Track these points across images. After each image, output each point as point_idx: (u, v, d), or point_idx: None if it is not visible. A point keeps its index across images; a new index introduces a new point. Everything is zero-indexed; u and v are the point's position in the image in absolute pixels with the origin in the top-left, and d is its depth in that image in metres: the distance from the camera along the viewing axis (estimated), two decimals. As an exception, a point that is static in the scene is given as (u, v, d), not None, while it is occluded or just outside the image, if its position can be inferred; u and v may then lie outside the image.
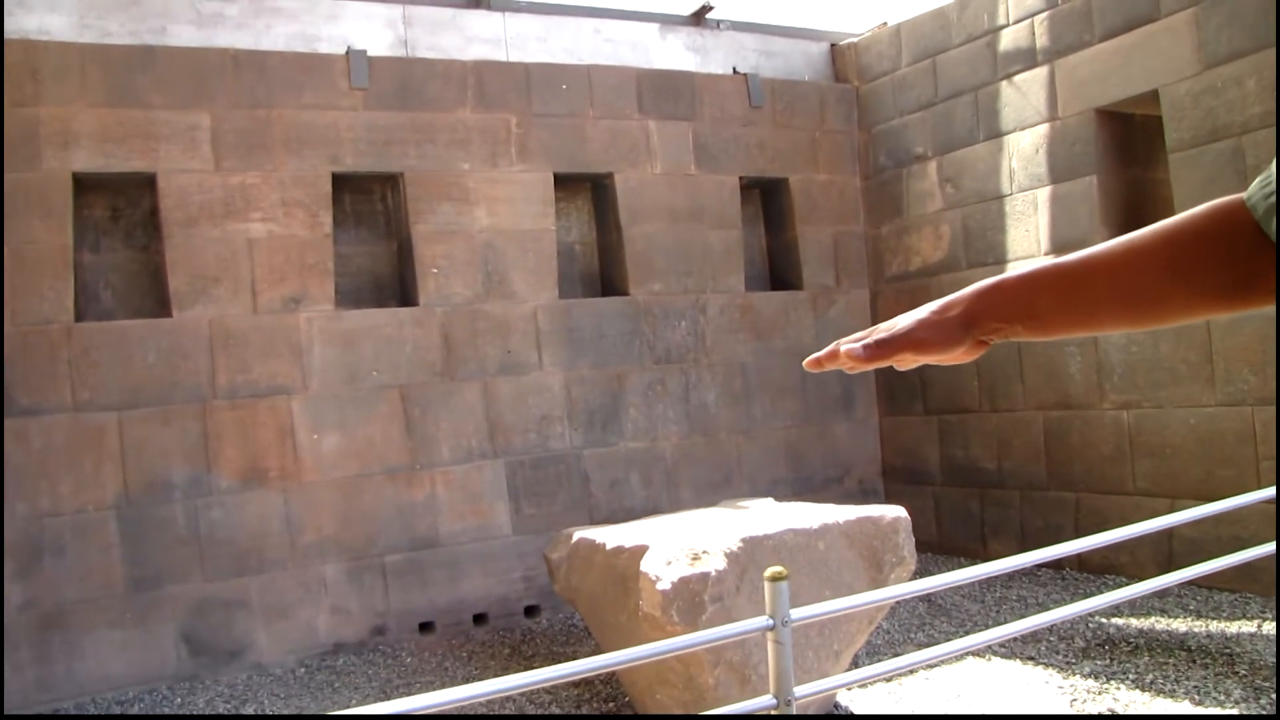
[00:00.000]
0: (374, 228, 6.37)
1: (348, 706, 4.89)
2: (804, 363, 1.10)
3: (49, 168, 5.30)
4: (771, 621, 1.80)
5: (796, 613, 1.84)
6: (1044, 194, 6.25)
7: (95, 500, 5.30)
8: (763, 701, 1.84)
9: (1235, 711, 3.87)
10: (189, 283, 5.57)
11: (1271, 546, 2.91)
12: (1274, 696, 3.94)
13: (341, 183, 6.06)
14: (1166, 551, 5.66)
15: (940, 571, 6.72)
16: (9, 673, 5.08)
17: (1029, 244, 6.35)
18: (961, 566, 6.82)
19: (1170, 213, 5.10)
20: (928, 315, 1.03)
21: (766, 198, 7.64)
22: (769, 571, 1.78)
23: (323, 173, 5.89)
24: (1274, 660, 4.33)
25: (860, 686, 4.51)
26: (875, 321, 7.53)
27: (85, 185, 5.52)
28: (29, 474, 5.17)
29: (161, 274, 5.62)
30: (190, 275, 5.57)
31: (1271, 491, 2.78)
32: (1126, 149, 6.12)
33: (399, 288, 6.34)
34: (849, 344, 1.04)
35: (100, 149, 5.43)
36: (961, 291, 1.02)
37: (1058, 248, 6.16)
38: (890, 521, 4.04)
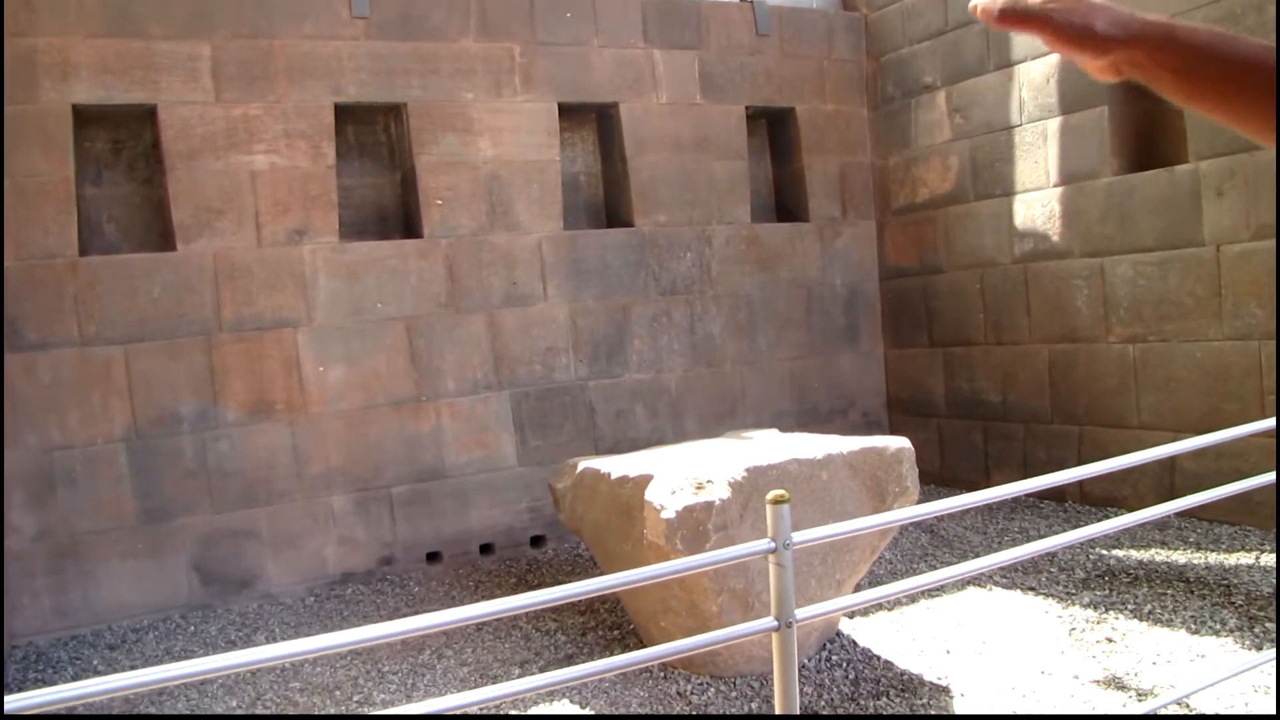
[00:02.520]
0: (377, 159, 6.32)
1: (357, 633, 4.97)
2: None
3: (48, 99, 5.25)
4: (773, 544, 1.82)
5: (798, 535, 1.86)
6: (1054, 124, 6.18)
7: (104, 433, 5.34)
8: (764, 623, 1.87)
9: (1231, 640, 3.92)
10: (192, 215, 5.54)
11: (1270, 477, 2.92)
12: (1268, 626, 3.99)
13: (344, 114, 6.00)
14: (1168, 485, 5.69)
15: (943, 503, 6.77)
16: (25, 602, 5.16)
17: (1038, 175, 6.30)
18: (964, 498, 6.87)
19: (1182, 145, 5.01)
20: (1091, 11, 1.00)
21: (773, 128, 7.56)
22: (771, 495, 1.79)
23: (325, 104, 5.83)
24: (1270, 591, 4.38)
25: (862, 615, 4.58)
26: (883, 253, 7.55)
27: (86, 117, 5.47)
28: (38, 407, 5.20)
29: (165, 207, 5.60)
30: (193, 208, 5.55)
31: (1271, 423, 2.77)
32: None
33: (403, 219, 6.31)
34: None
35: (100, 80, 5.37)
36: (1128, 11, 1.00)
37: (1066, 179, 6.11)
38: (894, 452, 4.06)
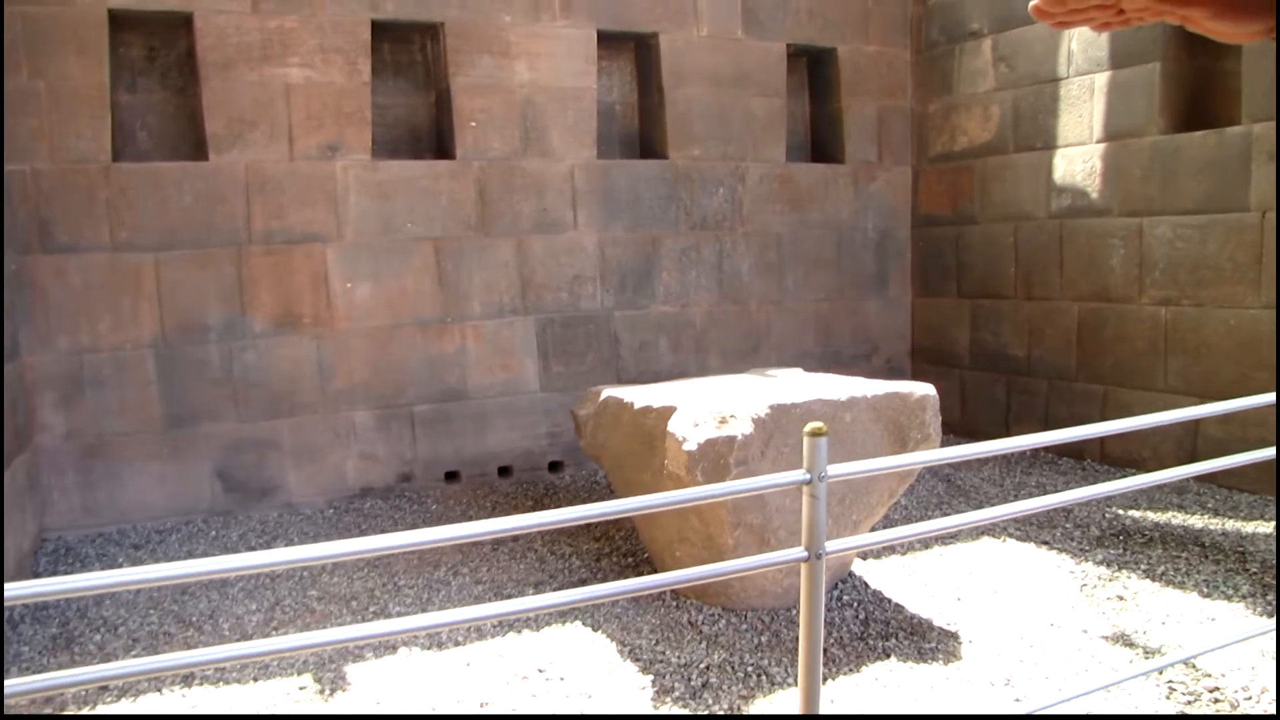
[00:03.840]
0: (412, 78, 6.26)
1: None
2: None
3: (84, 2, 5.20)
4: (809, 476, 1.83)
5: (834, 469, 1.86)
6: (1102, 79, 6.05)
7: (133, 339, 5.39)
8: (794, 553, 1.88)
9: (1242, 606, 3.93)
10: (225, 126, 5.52)
11: (1270, 451, 2.89)
12: (1283, 591, 4.00)
13: (381, 31, 5.93)
14: (1190, 449, 5.67)
15: (961, 454, 6.78)
16: (55, 497, 5.26)
17: (1080, 130, 6.19)
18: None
19: (1235, 107, 4.89)
20: None
21: (813, 67, 7.44)
22: (809, 427, 1.80)
23: (362, 19, 5.77)
24: (1287, 557, 4.38)
25: (875, 557, 4.61)
26: (916, 201, 7.48)
27: (121, 23, 5.43)
28: (69, 310, 5.25)
29: (198, 117, 5.57)
30: (227, 119, 5.52)
31: (1271, 397, 2.74)
32: (1196, 35, 5.88)
33: (436, 140, 6.27)
34: None
35: (137, -16, 5.33)
36: None
37: (1110, 135, 6.00)
38: (918, 399, 4.05)
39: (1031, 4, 1.01)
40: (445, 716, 2.51)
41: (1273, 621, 3.47)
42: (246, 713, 2.45)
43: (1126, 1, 0.96)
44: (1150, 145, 5.78)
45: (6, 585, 1.41)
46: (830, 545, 1.88)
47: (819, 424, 1.79)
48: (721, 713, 2.75)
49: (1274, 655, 3.35)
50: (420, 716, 2.50)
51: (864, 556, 4.58)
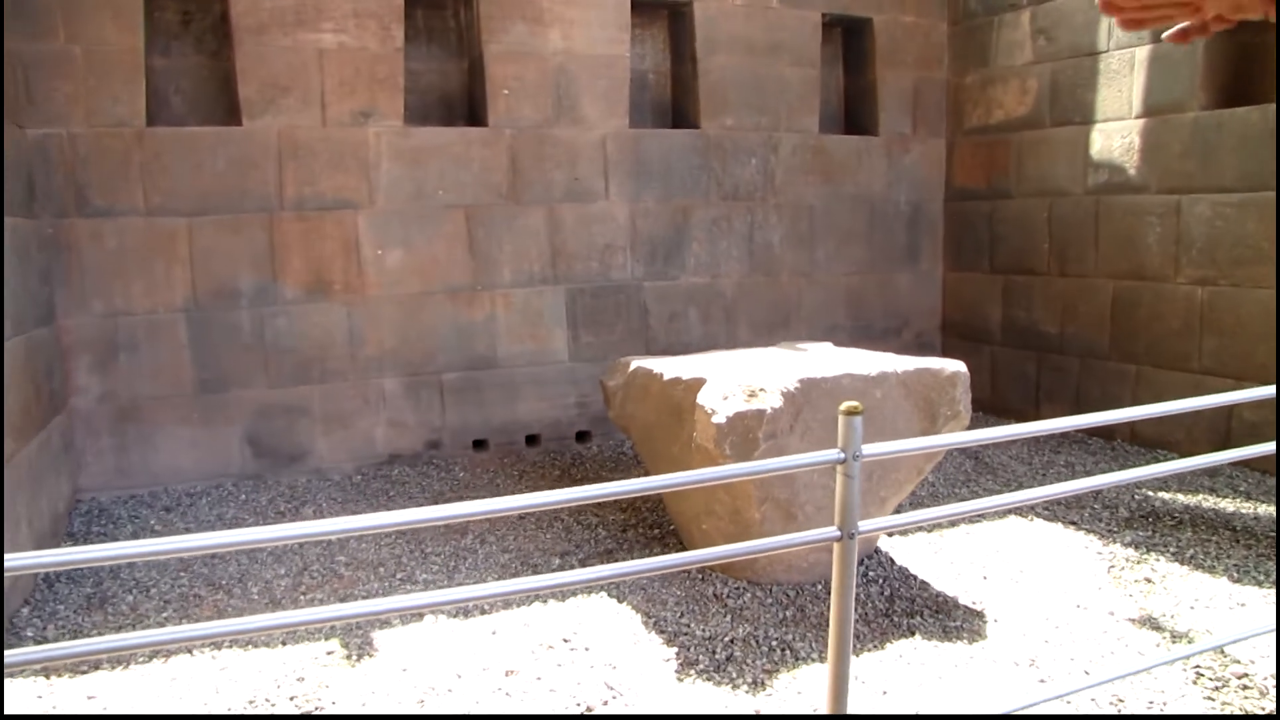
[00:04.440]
0: (445, 45, 6.24)
1: (402, 514, 5.09)
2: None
3: (119, -35, 5.22)
4: (843, 455, 1.82)
5: (868, 448, 1.85)
6: (1143, 53, 5.94)
7: (166, 303, 5.43)
8: (827, 532, 1.88)
9: (1274, 593, 3.89)
10: (258, 92, 5.52)
11: (1270, 446, 2.84)
12: (1316, 576, 3.96)
13: (414, -4, 5.91)
14: (1224, 432, 5.60)
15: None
16: (90, 459, 5.33)
17: (1119, 105, 6.09)
18: (1011, 428, 6.83)
19: (1273, 82, 4.79)
20: None
21: (848, 37, 7.35)
22: (845, 405, 1.79)
23: (396, -17, 5.75)
24: (1320, 541, 4.34)
25: (901, 534, 4.60)
26: (950, 174, 7.40)
27: (156, -16, 5.45)
28: (104, 273, 5.29)
29: (231, 82, 5.58)
30: (259, 84, 5.52)
31: (1271, 390, 2.68)
32: (1240, 8, 5.76)
33: (468, 107, 6.26)
34: None
35: (172, -54, 5.32)
36: None
37: (1150, 110, 5.90)
38: (949, 375, 4.02)
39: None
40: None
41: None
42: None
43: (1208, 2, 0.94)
44: (1191, 121, 5.68)
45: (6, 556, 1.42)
46: (863, 525, 1.88)
47: (854, 403, 1.78)
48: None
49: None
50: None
51: (890, 533, 4.58)
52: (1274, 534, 4.51)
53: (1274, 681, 3.15)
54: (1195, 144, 5.65)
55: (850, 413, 1.78)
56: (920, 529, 4.70)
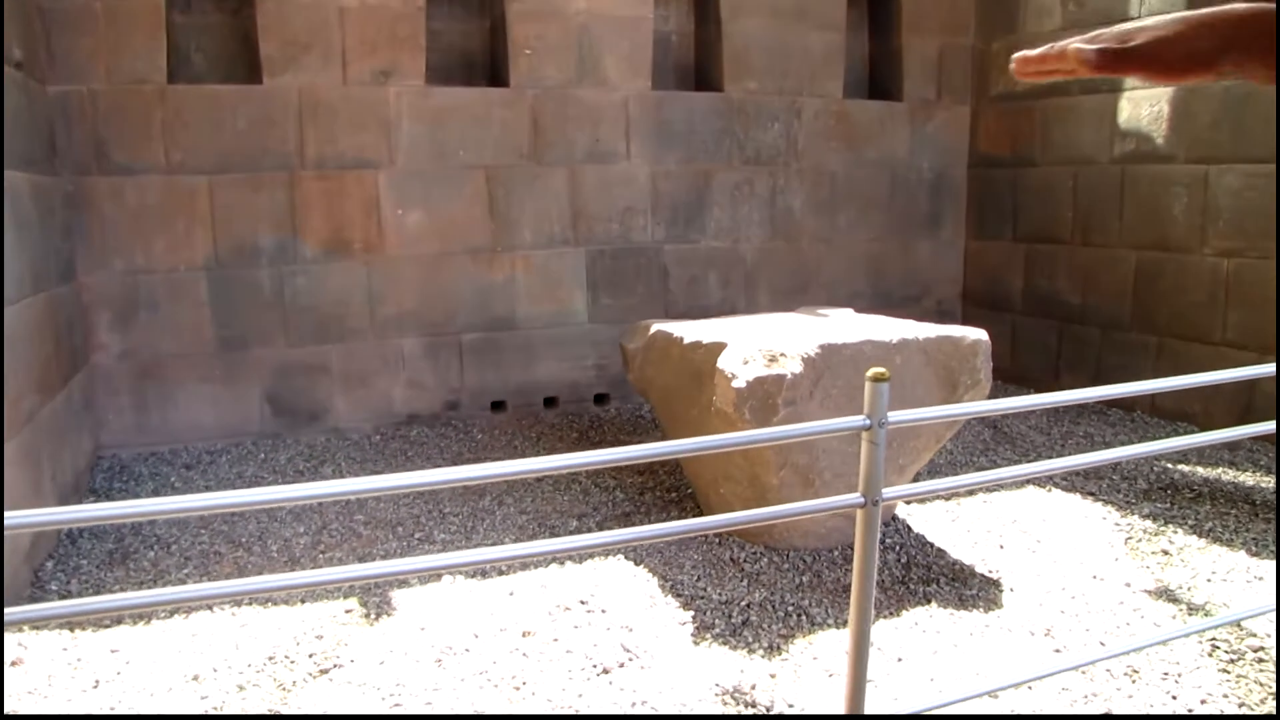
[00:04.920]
0: (467, 4, 6.18)
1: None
2: (1015, 59, 1.05)
3: (141, -81, 5.18)
4: (869, 421, 1.81)
5: (894, 415, 1.84)
6: (1175, 17, 5.83)
7: (187, 261, 5.44)
8: (850, 499, 1.88)
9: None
10: (279, 49, 5.50)
11: (1269, 425, 2.80)
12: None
13: (436, -47, 5.86)
14: (1244, 405, 5.56)
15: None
16: (110, 416, 5.37)
17: (1150, 71, 5.98)
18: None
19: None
20: (1173, 34, 0.94)
21: (874, 2, 7.25)
22: (872, 372, 1.78)
23: (418, -60, 5.70)
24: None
25: (919, 502, 4.60)
26: (974, 141, 7.32)
27: (178, -61, 5.41)
28: (125, 231, 5.30)
29: (252, 39, 5.54)
30: (280, 42, 5.49)
31: (1272, 368, 2.64)
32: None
33: (490, 67, 6.22)
34: (1080, 44, 0.97)
35: (193, -99, 5.28)
36: (1216, 12, 0.92)
37: (1181, 77, 5.79)
38: (970, 344, 4.00)
39: (1012, 66, 1.08)
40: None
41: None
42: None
43: (1070, 62, 1.01)
44: (1222, 90, 5.59)
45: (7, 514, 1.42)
46: (886, 492, 1.87)
47: (881, 369, 1.77)
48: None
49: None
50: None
51: (908, 500, 4.57)
52: (1294, 508, 4.49)
53: (1292, 655, 3.14)
54: (1226, 113, 5.57)
55: (877, 379, 1.77)
56: (938, 497, 4.69)
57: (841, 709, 2.02)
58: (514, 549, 1.86)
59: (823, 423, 1.79)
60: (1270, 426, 2.72)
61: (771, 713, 2.83)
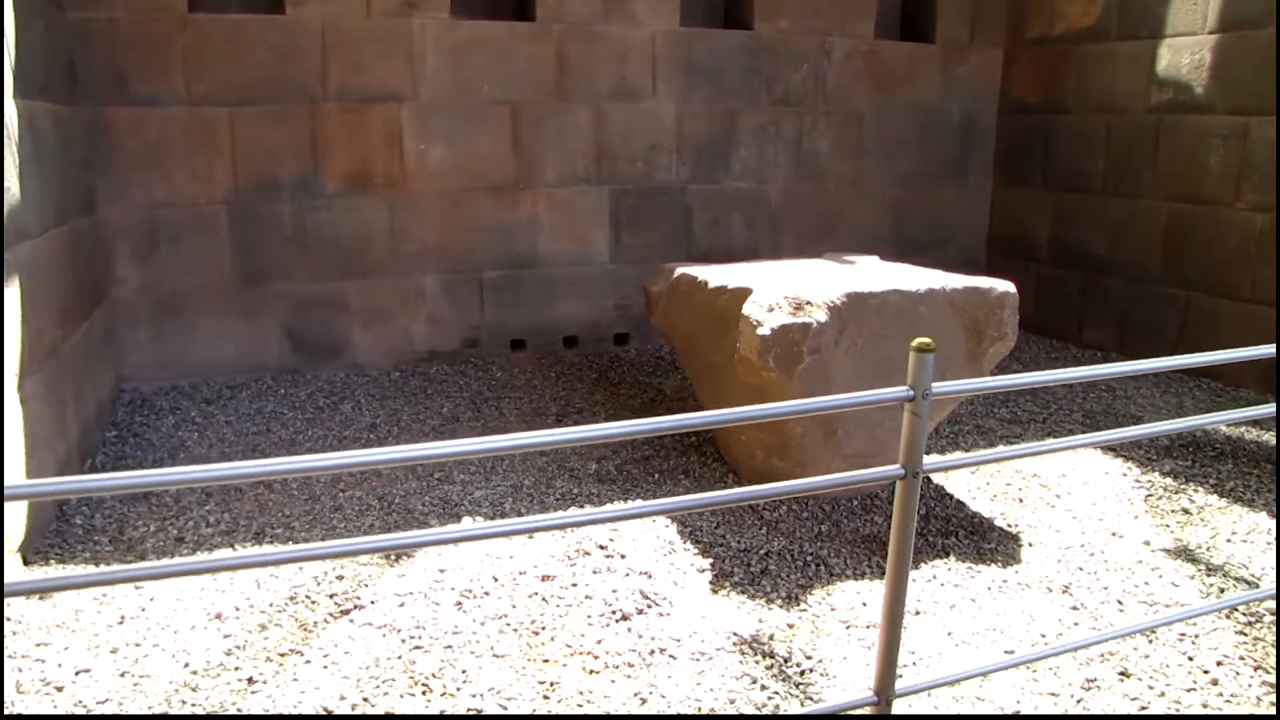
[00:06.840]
0: (493, -67, 6.06)
1: (439, 411, 5.13)
2: None
3: None
4: (912, 392, 1.79)
5: (939, 387, 1.82)
6: (1220, -38, 5.67)
7: (207, 195, 5.40)
8: (891, 470, 1.86)
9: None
10: (303, -24, 5.40)
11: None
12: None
13: (463, -120, 5.72)
14: (1267, 366, 5.49)
15: (1032, 350, 6.68)
16: (130, 350, 5.37)
17: (1193, 19, 5.83)
18: (1054, 348, 6.75)
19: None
20: None
21: (909, -62, 7.08)
22: (917, 342, 1.75)
23: None
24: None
25: (938, 454, 4.58)
26: (1006, 86, 7.18)
27: None
28: (145, 163, 5.26)
29: (275, -36, 5.46)
30: (304, -32, 5.40)
31: (1272, 348, 2.56)
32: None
33: (516, 1, 6.09)
34: None
35: None
36: None
37: (1225, 26, 5.64)
38: (998, 295, 3.95)
39: None
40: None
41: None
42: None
43: None
44: (1267, 38, 5.43)
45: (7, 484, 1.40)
46: (930, 461, 1.86)
47: (927, 339, 1.74)
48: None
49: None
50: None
51: (928, 451, 4.55)
52: (1318, 469, 4.46)
53: (1312, 620, 3.13)
54: (1269, 63, 5.42)
55: (922, 349, 1.74)
56: (957, 448, 4.68)
57: (870, 681, 2.02)
58: (540, 519, 1.85)
59: (865, 394, 1.76)
60: (1270, 409, 2.62)
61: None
